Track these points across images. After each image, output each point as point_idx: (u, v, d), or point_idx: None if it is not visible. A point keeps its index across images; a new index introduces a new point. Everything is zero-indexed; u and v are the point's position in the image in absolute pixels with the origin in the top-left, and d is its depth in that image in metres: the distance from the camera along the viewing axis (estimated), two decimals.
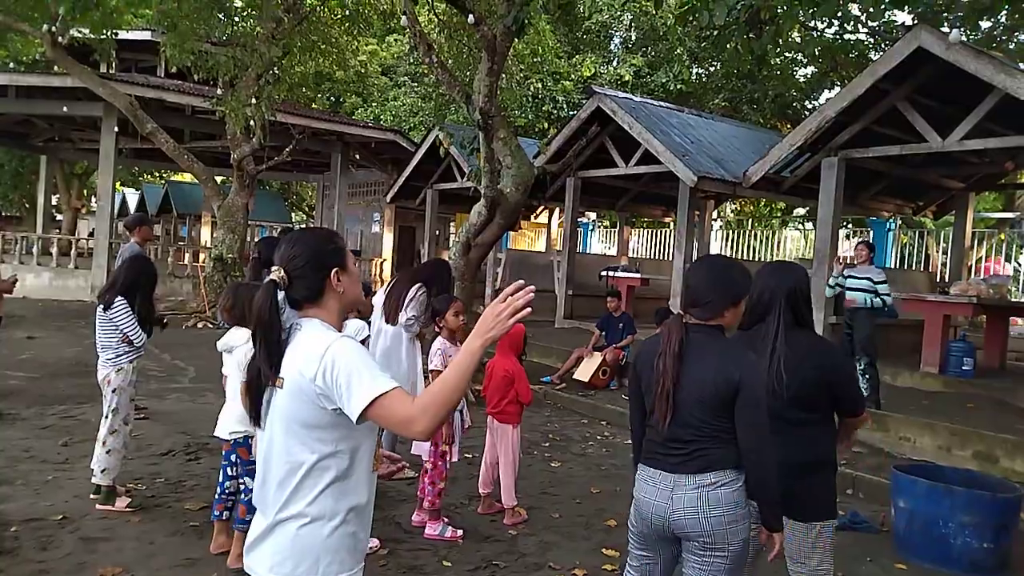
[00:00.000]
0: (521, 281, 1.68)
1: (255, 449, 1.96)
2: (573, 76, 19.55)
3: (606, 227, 23.76)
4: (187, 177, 26.53)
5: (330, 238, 1.92)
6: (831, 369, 2.76)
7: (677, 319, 2.52)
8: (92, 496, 4.48)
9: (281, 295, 1.83)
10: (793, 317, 2.77)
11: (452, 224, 22.45)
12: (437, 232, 18.81)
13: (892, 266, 15.38)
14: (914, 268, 15.46)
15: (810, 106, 21.11)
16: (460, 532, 4.37)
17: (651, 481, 2.50)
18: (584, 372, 9.00)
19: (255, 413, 1.84)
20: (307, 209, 32.63)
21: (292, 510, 1.76)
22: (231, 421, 3.87)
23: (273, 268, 1.82)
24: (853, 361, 7.03)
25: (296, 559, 1.75)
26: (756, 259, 17.32)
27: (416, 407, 1.63)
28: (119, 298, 4.37)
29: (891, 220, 15.37)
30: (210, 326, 12.50)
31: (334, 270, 1.85)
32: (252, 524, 1.88)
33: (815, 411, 2.75)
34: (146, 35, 15.87)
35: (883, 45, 16.56)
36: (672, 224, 17.09)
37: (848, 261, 8.23)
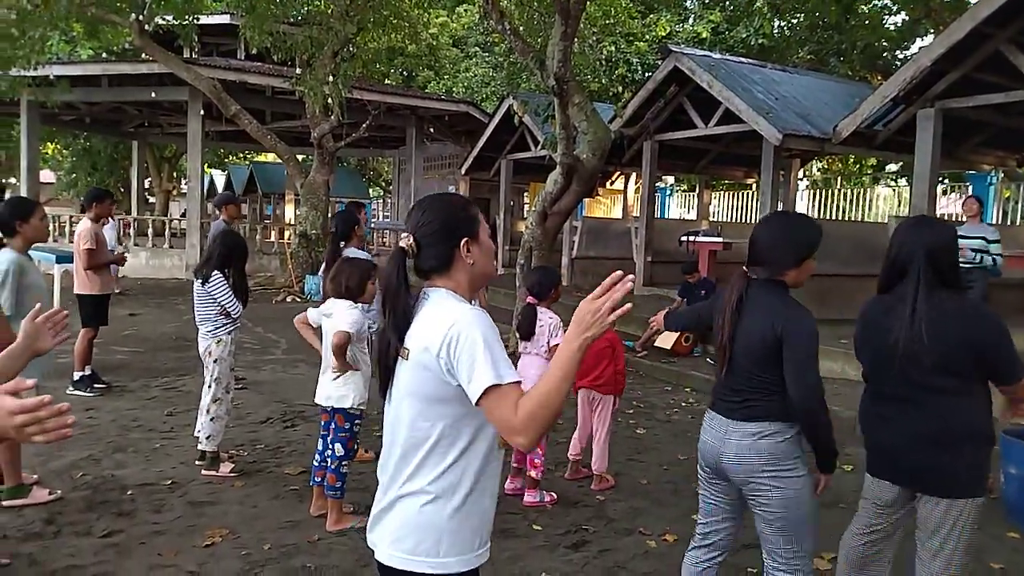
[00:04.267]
0: (619, 272, 1.54)
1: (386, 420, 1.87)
2: (647, 37, 19.03)
3: (684, 191, 23.25)
4: (270, 157, 27.35)
5: (463, 206, 1.82)
6: (981, 333, 2.48)
7: (740, 275, 2.61)
8: (197, 462, 4.72)
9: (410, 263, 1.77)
10: (936, 277, 2.54)
11: (526, 194, 22.38)
12: (512, 203, 18.79)
13: (994, 222, 14.51)
14: (1019, 223, 14.54)
15: (901, 56, 19.97)
16: (554, 496, 4.41)
17: (710, 424, 2.65)
18: (666, 339, 8.88)
19: (385, 385, 1.81)
20: (384, 184, 33.15)
21: (415, 485, 1.72)
22: (329, 388, 3.99)
23: (402, 235, 1.77)
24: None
25: (417, 537, 1.70)
26: (846, 219, 16.64)
27: (521, 416, 1.52)
28: (215, 272, 4.55)
29: (992, 173, 14.46)
30: (298, 300, 12.92)
31: (464, 240, 1.75)
32: (376, 498, 1.83)
33: (962, 379, 2.50)
34: (225, 19, 16.29)
35: None
36: (755, 185, 16.58)
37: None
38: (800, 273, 2.56)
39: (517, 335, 4.61)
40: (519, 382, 1.59)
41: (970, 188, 14.54)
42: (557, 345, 4.29)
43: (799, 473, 2.47)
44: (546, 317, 4.36)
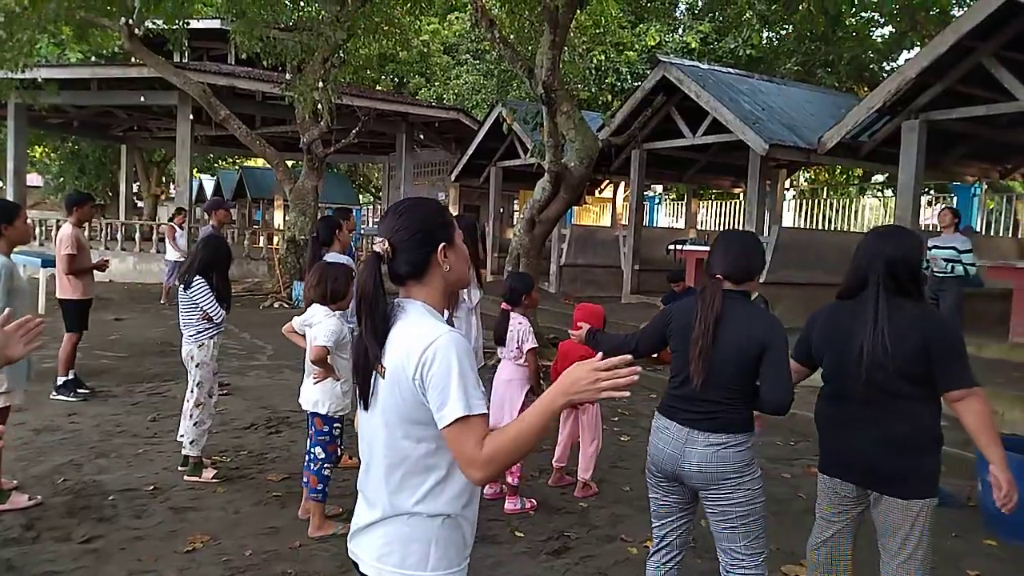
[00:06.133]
0: (629, 357, 1.56)
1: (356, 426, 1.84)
2: (637, 46, 19.13)
3: (672, 200, 23.36)
4: (259, 162, 27.30)
5: (439, 211, 1.80)
6: (934, 336, 2.56)
7: (717, 284, 2.67)
8: (180, 468, 4.70)
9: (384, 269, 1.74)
10: (896, 286, 2.62)
11: (516, 201, 22.44)
12: (501, 210, 18.84)
13: (979, 231, 14.68)
14: (1001, 234, 14.70)
15: (888, 68, 20.16)
16: (534, 502, 4.42)
17: (665, 432, 2.73)
18: None
19: (364, 394, 1.75)
20: (374, 191, 33.13)
21: (400, 505, 1.69)
22: (309, 392, 4.02)
23: (377, 240, 1.73)
24: (961, 334, 6.81)
25: (404, 551, 1.68)
26: (832, 229, 16.76)
27: (484, 454, 1.54)
28: (197, 277, 4.55)
29: (976, 185, 14.62)
30: (286, 306, 12.88)
31: (441, 245, 1.72)
32: (356, 510, 1.81)
33: (921, 385, 2.58)
34: (216, 24, 16.28)
35: (966, 0, 15.64)
36: (742, 195, 16.68)
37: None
38: (754, 285, 2.79)
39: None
40: (486, 415, 1.60)
41: (955, 199, 14.70)
42: (531, 349, 4.36)
43: (756, 474, 2.66)
44: (516, 322, 4.45)
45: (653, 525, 2.90)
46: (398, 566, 1.67)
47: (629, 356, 1.57)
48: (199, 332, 4.62)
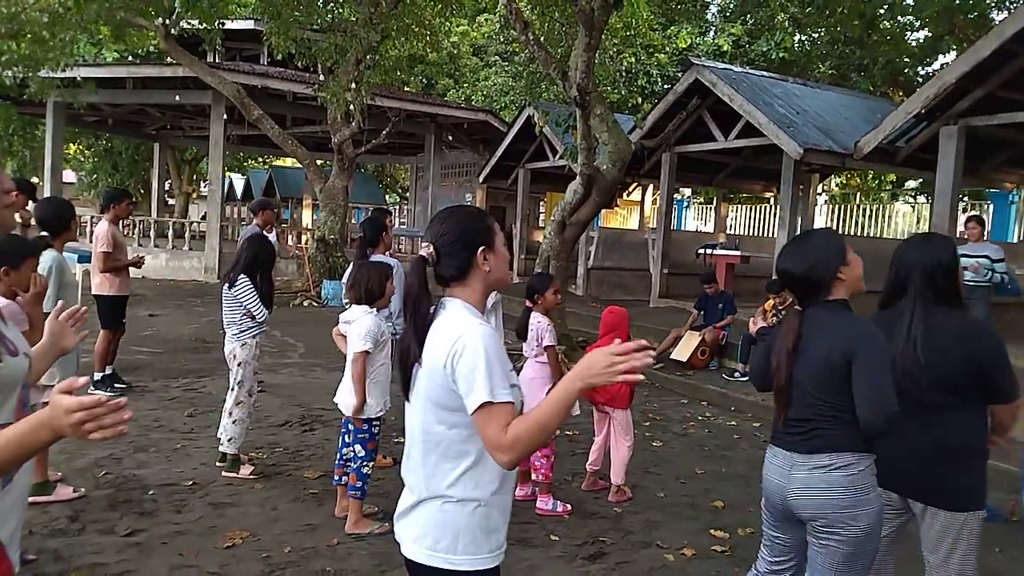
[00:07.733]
0: (645, 342, 1.59)
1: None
2: (668, 49, 19.03)
3: (700, 203, 23.22)
4: (289, 162, 27.57)
5: (479, 216, 1.92)
6: (982, 351, 2.52)
7: (794, 312, 2.51)
8: (218, 464, 4.76)
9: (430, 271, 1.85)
10: (934, 294, 2.58)
11: (543, 203, 22.41)
12: (528, 212, 18.83)
13: (1016, 240, 14.43)
14: None
15: (923, 72, 19.88)
16: (569, 507, 4.42)
17: (773, 460, 2.53)
18: (682, 352, 8.86)
19: (406, 387, 1.89)
20: (400, 191, 33.29)
21: (435, 489, 1.80)
22: (346, 395, 4.04)
23: (423, 244, 1.85)
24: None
25: (437, 535, 1.79)
26: (864, 235, 16.56)
27: (508, 437, 1.62)
28: (241, 276, 4.60)
29: (1015, 192, 14.37)
30: (315, 304, 12.99)
31: (481, 248, 1.84)
32: (403, 494, 1.92)
33: (960, 395, 2.54)
34: (250, 24, 16.47)
35: (1008, 3, 15.39)
36: (773, 199, 16.52)
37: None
38: (848, 280, 2.45)
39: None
40: (511, 403, 1.68)
41: (991, 207, 14.45)
42: (548, 346, 4.39)
43: (874, 506, 2.35)
44: (535, 320, 4.52)
45: (764, 557, 2.67)
46: (431, 548, 1.79)
47: (644, 341, 1.60)
48: (242, 331, 4.67)
